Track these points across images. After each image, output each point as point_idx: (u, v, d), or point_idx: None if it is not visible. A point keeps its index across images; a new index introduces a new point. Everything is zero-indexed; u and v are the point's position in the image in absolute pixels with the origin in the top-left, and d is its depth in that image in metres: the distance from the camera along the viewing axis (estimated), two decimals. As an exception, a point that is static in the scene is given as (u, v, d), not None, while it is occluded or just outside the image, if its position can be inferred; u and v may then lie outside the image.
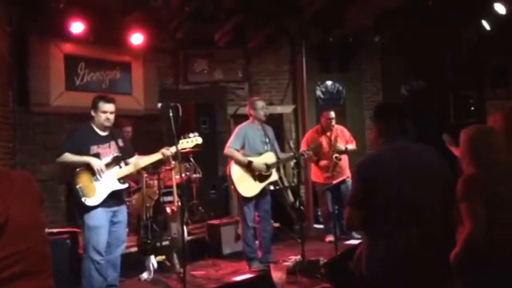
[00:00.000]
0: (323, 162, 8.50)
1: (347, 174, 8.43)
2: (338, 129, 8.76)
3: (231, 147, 6.96)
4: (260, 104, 7.18)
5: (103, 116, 5.62)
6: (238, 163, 6.93)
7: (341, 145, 8.51)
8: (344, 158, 8.60)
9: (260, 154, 7.03)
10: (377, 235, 3.30)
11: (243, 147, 6.97)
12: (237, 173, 6.92)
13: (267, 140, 7.13)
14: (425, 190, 3.24)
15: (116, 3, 8.30)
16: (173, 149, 5.87)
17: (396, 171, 3.26)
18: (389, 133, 3.48)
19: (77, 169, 5.42)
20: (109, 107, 5.66)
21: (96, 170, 5.43)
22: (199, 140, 6.06)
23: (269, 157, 7.07)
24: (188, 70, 10.63)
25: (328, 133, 8.65)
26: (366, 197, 3.27)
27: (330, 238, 8.39)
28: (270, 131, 7.27)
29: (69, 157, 5.41)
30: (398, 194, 3.22)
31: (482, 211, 3.26)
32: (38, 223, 2.73)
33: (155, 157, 5.93)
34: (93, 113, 5.63)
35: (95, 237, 5.43)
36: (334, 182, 7.92)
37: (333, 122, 8.65)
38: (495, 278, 3.25)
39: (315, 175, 8.82)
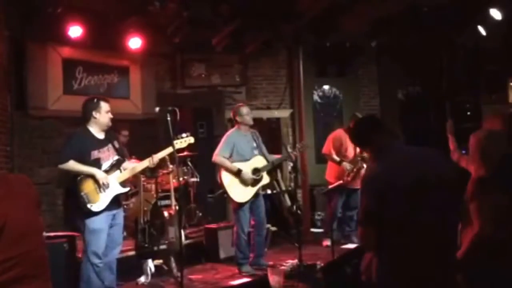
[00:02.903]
0: (346, 164, 8.47)
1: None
2: None
3: (219, 155, 7.05)
4: (245, 110, 7.28)
5: (107, 116, 5.65)
6: (228, 170, 7.00)
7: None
8: None
9: (247, 160, 7.08)
10: (388, 246, 3.18)
11: (231, 155, 7.03)
12: (228, 180, 7.01)
13: (255, 144, 7.19)
14: (435, 197, 3.10)
15: (114, 8, 8.31)
16: (160, 155, 5.92)
17: (404, 179, 3.11)
18: (384, 145, 3.33)
19: (79, 177, 5.42)
20: (109, 106, 5.71)
21: (101, 184, 5.45)
22: (191, 140, 6.10)
23: (258, 161, 7.12)
24: (186, 75, 10.64)
25: None
26: (378, 211, 3.14)
27: (327, 242, 8.40)
28: (256, 135, 7.32)
29: (74, 165, 5.40)
30: (409, 204, 3.09)
31: (490, 211, 3.32)
32: (35, 227, 2.73)
33: (143, 164, 5.95)
34: (96, 115, 5.59)
35: (96, 241, 5.44)
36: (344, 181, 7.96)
37: None
38: (500, 278, 3.29)
39: (330, 174, 8.77)
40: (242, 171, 6.95)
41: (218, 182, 9.52)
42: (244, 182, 6.99)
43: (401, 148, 3.31)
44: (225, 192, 7.07)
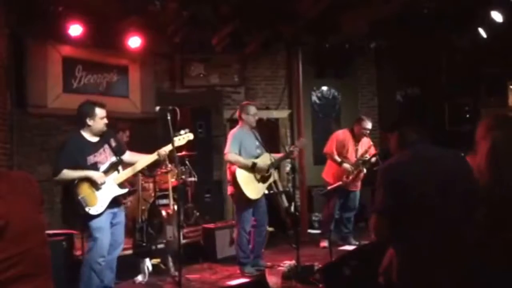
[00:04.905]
0: (347, 165, 8.47)
1: (359, 185, 8.53)
2: (371, 142, 8.68)
3: (231, 152, 6.97)
4: (252, 110, 7.23)
5: (101, 122, 5.59)
6: (242, 166, 6.96)
7: (367, 156, 8.45)
8: None
9: (256, 157, 7.08)
10: (408, 243, 3.24)
11: (239, 153, 7.00)
12: (243, 177, 6.92)
13: (258, 143, 7.18)
14: (449, 194, 3.19)
15: (114, 7, 8.31)
16: (167, 148, 5.89)
17: (421, 175, 3.22)
18: (408, 140, 3.46)
19: (76, 180, 5.41)
20: (105, 112, 5.64)
21: (99, 184, 5.44)
22: (191, 136, 6.08)
23: (266, 158, 7.12)
24: (185, 74, 10.65)
25: (357, 143, 8.64)
26: (394, 203, 3.23)
27: (324, 243, 8.42)
28: (257, 135, 7.31)
29: (68, 173, 5.37)
30: (424, 198, 3.17)
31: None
32: (38, 225, 2.73)
33: (151, 157, 5.94)
34: (89, 121, 5.53)
35: (100, 239, 5.45)
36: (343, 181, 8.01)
37: (367, 132, 8.56)
38: (499, 280, 3.30)
39: (327, 173, 8.77)
40: (257, 163, 6.94)
41: (218, 180, 9.65)
42: (257, 178, 6.99)
43: (424, 147, 3.37)
44: (239, 189, 6.95)
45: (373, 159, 8.30)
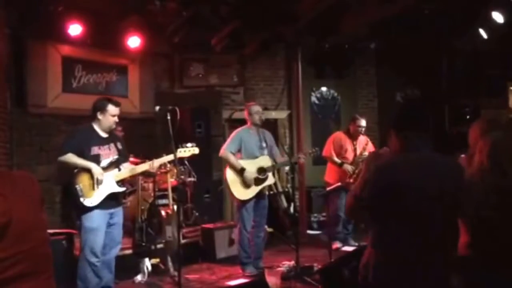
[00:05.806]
0: (347, 166, 8.50)
1: None
2: (368, 139, 8.74)
3: (226, 149, 7.04)
4: (255, 108, 7.30)
5: (111, 119, 5.66)
6: (232, 167, 7.00)
7: (367, 153, 8.45)
8: None
9: (256, 157, 7.09)
10: (392, 244, 3.19)
11: (239, 151, 7.04)
12: (231, 177, 6.99)
13: (264, 144, 7.19)
14: (444, 200, 3.13)
15: (114, 7, 8.32)
16: (161, 160, 5.99)
17: (418, 179, 3.15)
18: (411, 145, 3.34)
19: (76, 170, 5.45)
20: (118, 110, 5.72)
21: (95, 179, 5.45)
22: (196, 151, 6.13)
23: (265, 161, 7.11)
24: (184, 74, 10.66)
25: (355, 142, 8.68)
26: (381, 202, 3.16)
27: (337, 245, 8.38)
28: (268, 136, 7.34)
29: (72, 158, 5.43)
30: (420, 203, 3.11)
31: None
32: (40, 224, 2.74)
33: (143, 167, 5.98)
34: (99, 116, 5.62)
35: (92, 239, 5.46)
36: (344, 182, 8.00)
37: (363, 130, 8.64)
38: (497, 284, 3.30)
39: (329, 175, 8.77)
40: (245, 170, 6.95)
41: (217, 180, 9.65)
42: (246, 182, 6.99)
43: (421, 152, 3.32)
44: (228, 189, 7.05)
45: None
